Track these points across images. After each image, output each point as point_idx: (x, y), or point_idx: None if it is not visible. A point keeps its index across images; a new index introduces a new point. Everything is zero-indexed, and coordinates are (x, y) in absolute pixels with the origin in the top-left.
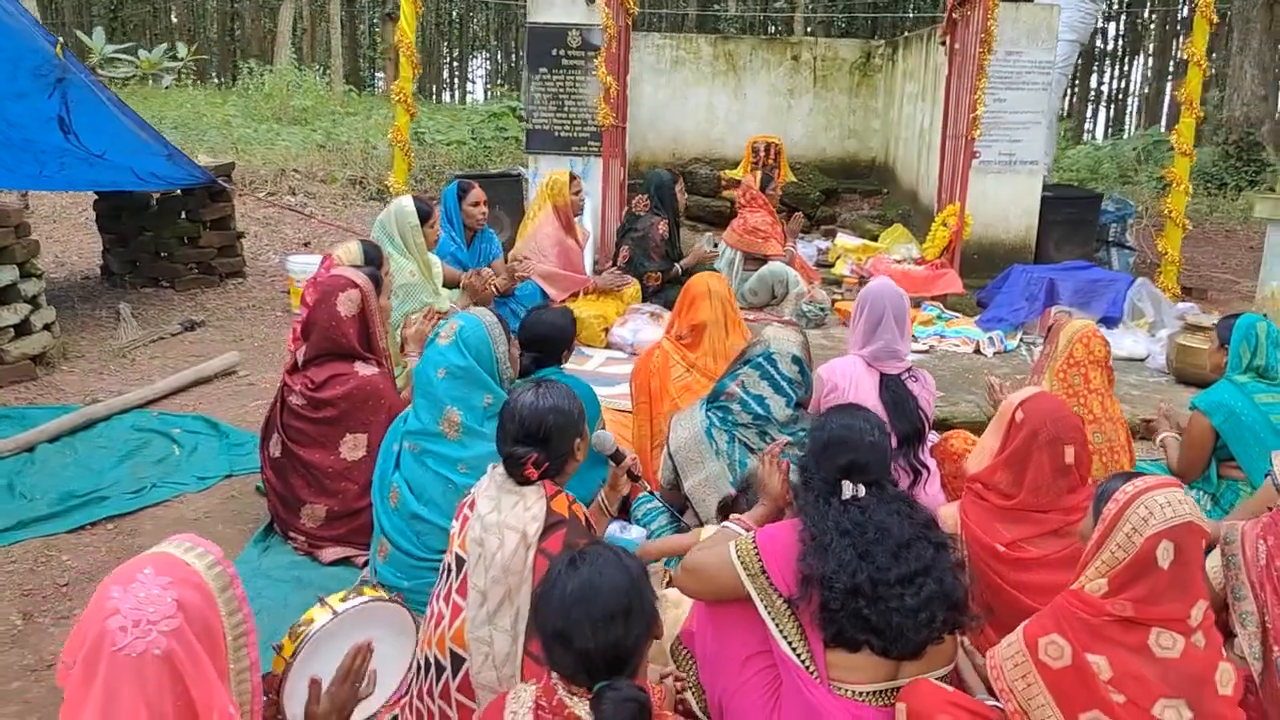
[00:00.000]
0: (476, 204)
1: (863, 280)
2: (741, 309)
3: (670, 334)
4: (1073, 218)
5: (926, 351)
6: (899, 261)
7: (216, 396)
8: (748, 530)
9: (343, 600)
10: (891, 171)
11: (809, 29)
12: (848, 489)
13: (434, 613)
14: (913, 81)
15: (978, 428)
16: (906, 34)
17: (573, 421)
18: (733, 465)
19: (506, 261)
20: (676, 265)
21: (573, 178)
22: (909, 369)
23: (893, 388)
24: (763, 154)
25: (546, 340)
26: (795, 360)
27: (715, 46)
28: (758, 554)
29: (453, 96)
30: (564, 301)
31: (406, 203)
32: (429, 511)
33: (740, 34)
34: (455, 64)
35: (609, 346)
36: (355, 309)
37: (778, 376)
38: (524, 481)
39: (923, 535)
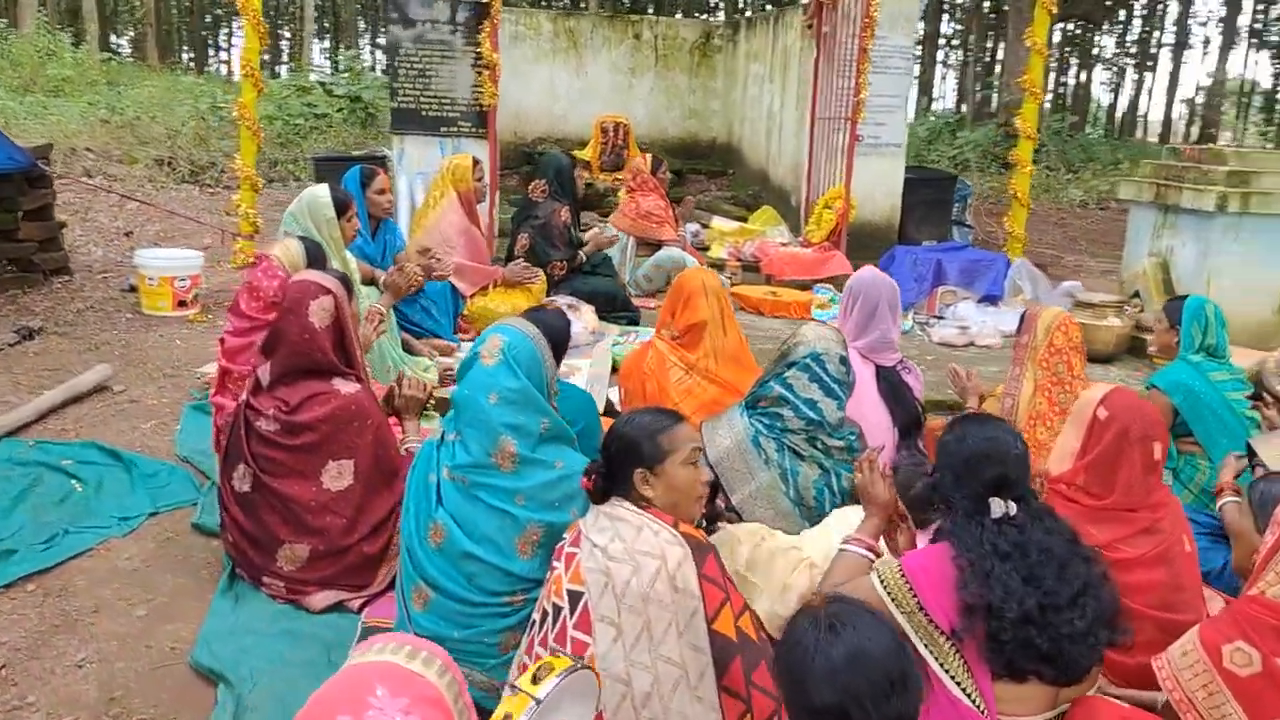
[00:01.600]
0: (382, 191)
1: (744, 264)
2: (635, 297)
3: (661, 333)
4: (931, 198)
5: None
6: (784, 244)
7: (99, 418)
8: (869, 550)
9: (534, 681)
10: (736, 152)
11: (649, 7)
12: (998, 507)
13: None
14: (758, 63)
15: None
16: (749, 15)
17: (641, 448)
18: (785, 474)
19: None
20: (581, 253)
21: (476, 162)
22: (901, 360)
23: (888, 379)
24: (611, 134)
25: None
26: (843, 361)
27: (556, 23)
28: (909, 587)
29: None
30: (473, 295)
31: (321, 193)
32: (484, 550)
33: (581, 10)
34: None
35: None
36: (329, 318)
37: (827, 378)
38: (594, 499)
39: (1075, 551)
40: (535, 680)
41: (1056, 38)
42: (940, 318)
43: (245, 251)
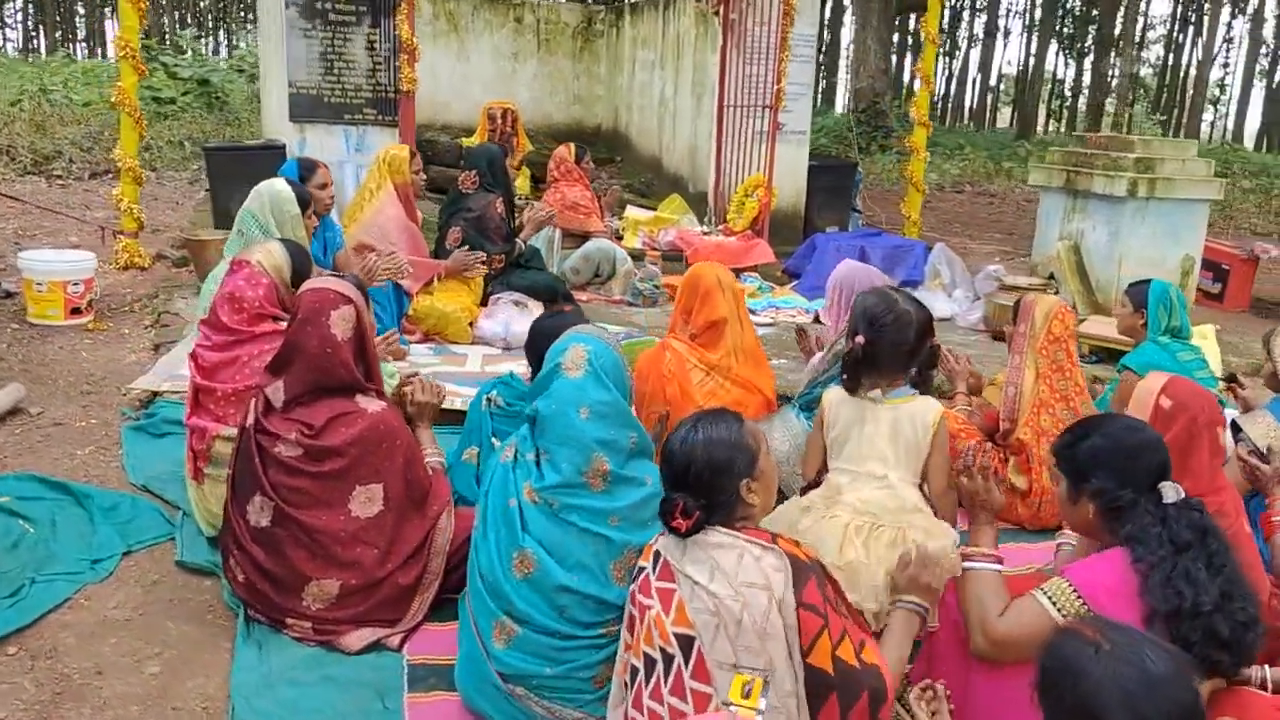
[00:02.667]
0: (324, 186)
1: (665, 254)
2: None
3: (676, 332)
4: (832, 185)
5: (771, 325)
6: (706, 234)
7: (24, 445)
8: (996, 561)
9: (746, 695)
10: (624, 139)
11: None
12: (1172, 491)
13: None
14: (647, 49)
15: None
16: (633, 1)
17: (734, 460)
18: None
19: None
20: (520, 244)
21: (413, 154)
22: None
23: None
24: (500, 121)
25: None
26: None
27: (436, 5)
28: (1084, 603)
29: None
30: (419, 292)
31: (282, 188)
32: (580, 579)
33: None
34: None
35: (475, 342)
36: (351, 330)
37: None
38: (680, 534)
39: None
40: (746, 695)
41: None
42: None
43: (130, 251)
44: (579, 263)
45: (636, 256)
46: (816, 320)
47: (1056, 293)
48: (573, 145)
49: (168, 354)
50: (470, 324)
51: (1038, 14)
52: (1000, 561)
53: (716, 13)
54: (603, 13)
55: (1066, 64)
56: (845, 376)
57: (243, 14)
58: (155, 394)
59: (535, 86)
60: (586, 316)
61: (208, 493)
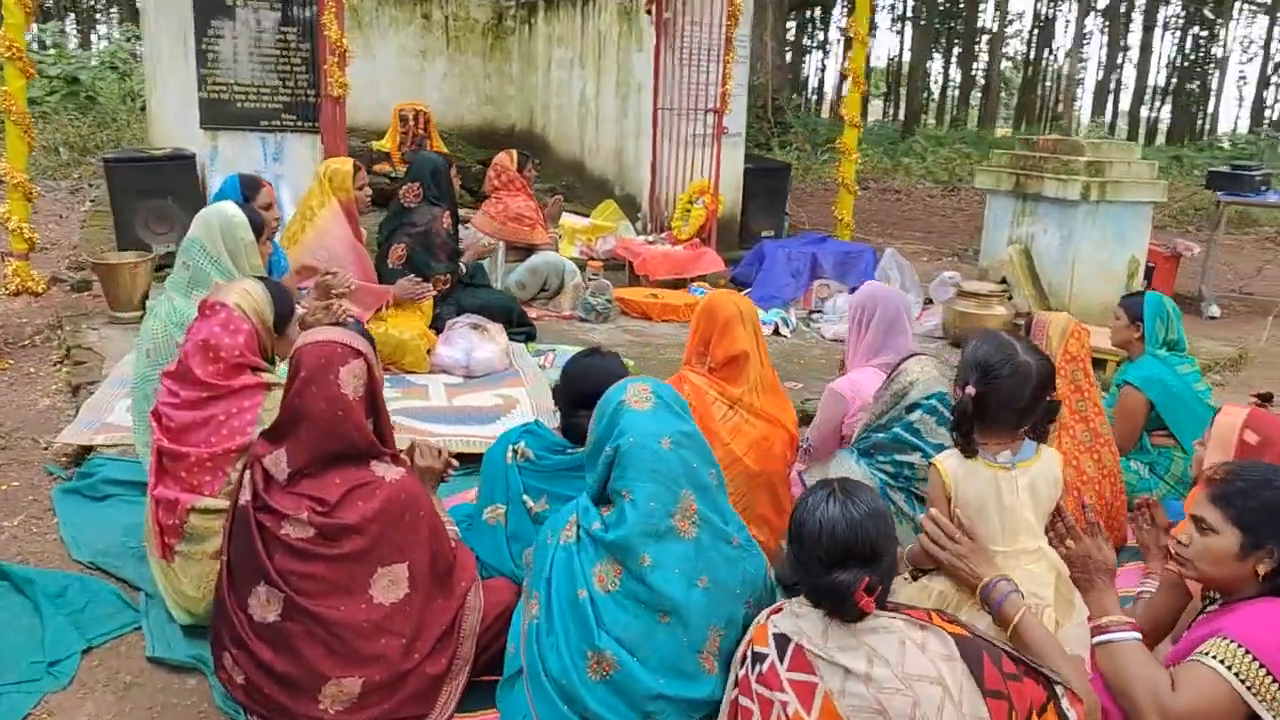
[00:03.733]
0: (269, 206)
1: (607, 263)
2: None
3: (693, 365)
4: (769, 188)
5: None
6: (651, 242)
7: None
8: (1134, 630)
9: None
10: (541, 140)
11: None
12: None
13: None
14: (564, 48)
15: None
16: None
17: (892, 525)
18: (918, 527)
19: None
20: (462, 264)
21: (357, 168)
22: None
23: None
24: (412, 123)
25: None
26: None
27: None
28: (1268, 672)
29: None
30: (369, 320)
31: (234, 213)
32: (671, 683)
33: None
34: None
35: (433, 371)
36: (363, 386)
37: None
38: (856, 616)
39: None
40: None
41: (793, 24)
42: (819, 312)
43: (21, 274)
44: (525, 277)
45: (579, 267)
46: (775, 333)
47: (1010, 298)
48: (514, 152)
49: (91, 397)
50: (428, 351)
51: (909, 9)
52: (1137, 627)
53: (649, 12)
54: (514, 9)
55: (931, 58)
56: (955, 432)
57: (93, 3)
58: (87, 449)
59: (445, 86)
60: (618, 356)
61: (179, 573)
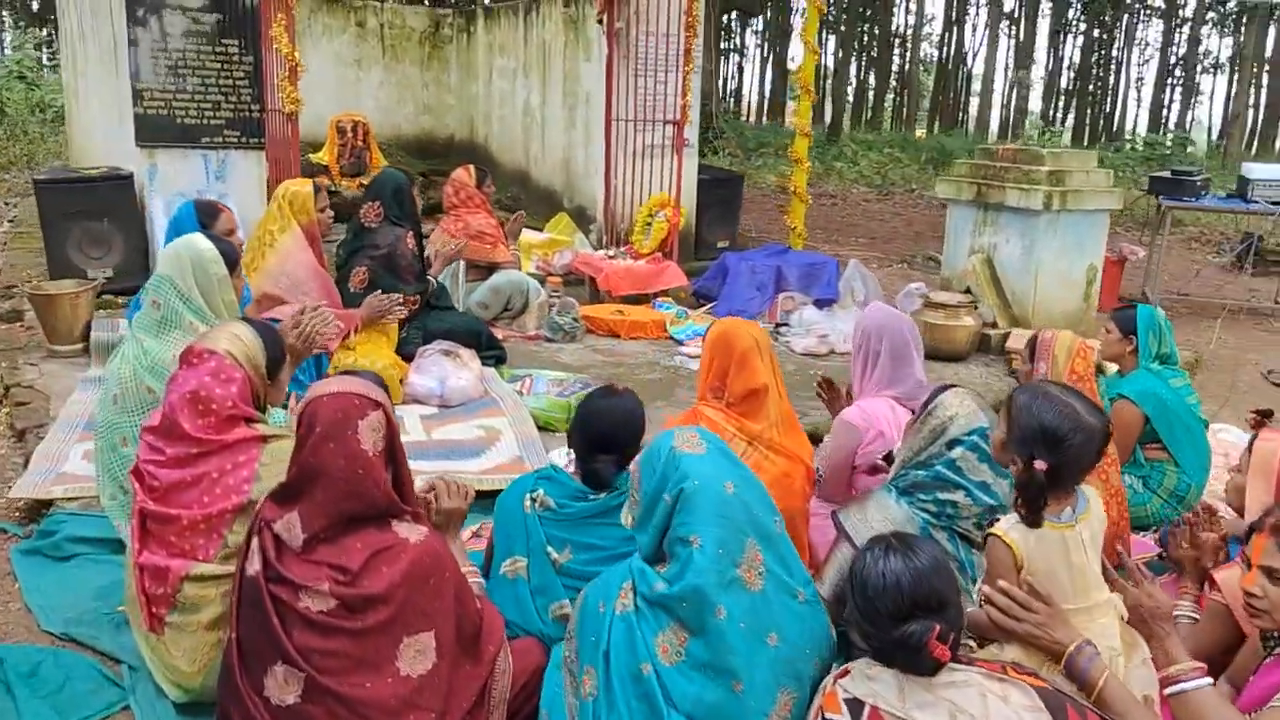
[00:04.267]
0: (231, 232)
1: (566, 279)
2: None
3: (709, 399)
4: (722, 198)
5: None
6: (612, 257)
7: None
8: (1207, 676)
9: None
10: (482, 151)
11: None
12: None
13: None
14: (506, 56)
15: None
16: (489, 4)
17: (954, 573)
18: (962, 566)
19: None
20: (432, 281)
21: (318, 190)
22: None
23: None
24: (350, 135)
25: (631, 432)
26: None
27: None
28: None
29: None
30: (337, 348)
31: (205, 246)
32: None
33: None
34: None
35: (406, 402)
36: (383, 440)
37: None
38: (932, 669)
39: None
40: None
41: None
42: (784, 325)
43: None
44: (488, 296)
45: (540, 281)
46: None
47: (976, 306)
48: (472, 167)
49: (41, 444)
50: (400, 381)
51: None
52: (1207, 672)
53: (600, 21)
54: (450, 18)
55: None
56: (1023, 507)
57: None
58: (45, 503)
59: (382, 96)
60: (633, 392)
61: (170, 646)
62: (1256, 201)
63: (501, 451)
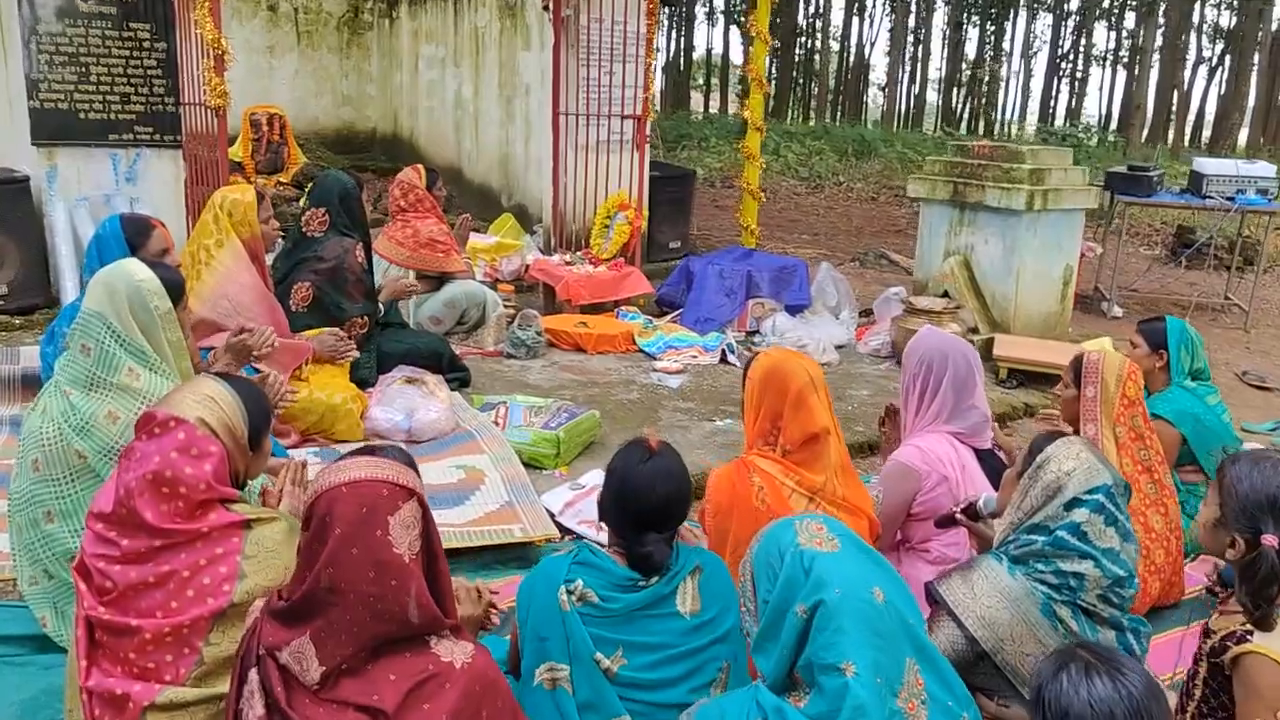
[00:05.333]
0: (166, 251)
1: (518, 286)
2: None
3: (759, 447)
4: (674, 197)
5: (681, 371)
6: (569, 263)
7: None
8: None
9: None
10: (407, 145)
11: None
12: None
13: None
14: (434, 44)
15: None
16: None
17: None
18: None
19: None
20: (379, 304)
21: (260, 197)
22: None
23: (991, 465)
24: (265, 128)
25: (684, 501)
26: (1127, 489)
27: None
28: None
29: None
30: (288, 380)
31: (144, 275)
32: None
33: None
34: None
35: (368, 439)
36: (419, 538)
37: (1121, 517)
38: None
39: None
40: None
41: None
42: (755, 332)
43: None
44: (441, 311)
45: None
46: (723, 360)
47: (959, 308)
48: (421, 168)
49: None
50: (360, 415)
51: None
52: None
53: (546, 9)
54: (371, 2)
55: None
56: (1249, 602)
57: None
58: None
59: (297, 85)
60: (671, 447)
61: None
62: (1212, 197)
63: (488, 497)
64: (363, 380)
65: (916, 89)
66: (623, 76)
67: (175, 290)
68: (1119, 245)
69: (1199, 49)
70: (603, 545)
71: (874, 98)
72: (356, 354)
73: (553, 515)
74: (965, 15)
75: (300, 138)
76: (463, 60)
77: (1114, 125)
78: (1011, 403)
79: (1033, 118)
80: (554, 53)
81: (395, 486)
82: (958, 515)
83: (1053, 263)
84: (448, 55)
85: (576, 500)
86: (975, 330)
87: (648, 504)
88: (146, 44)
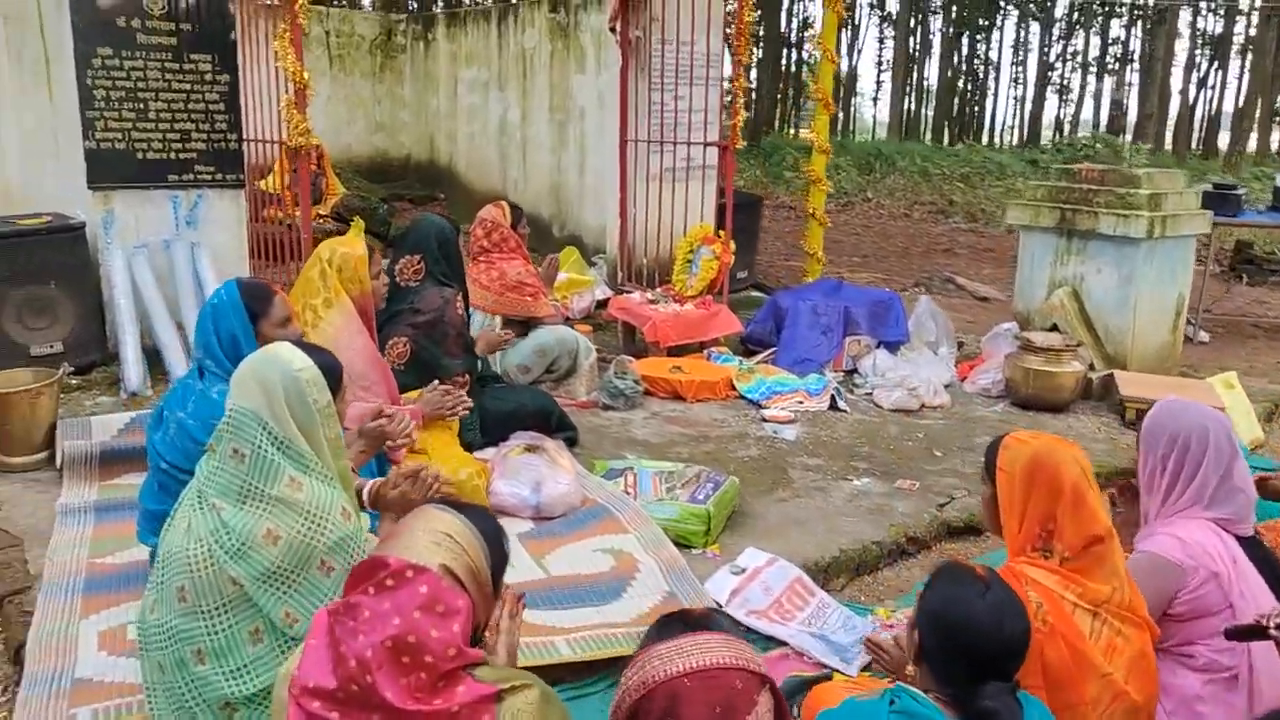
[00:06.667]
0: (287, 321)
1: (595, 324)
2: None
3: (1029, 554)
4: (742, 225)
5: (791, 421)
6: (652, 301)
7: None
8: None
9: None
10: (446, 172)
11: None
12: None
13: None
14: (476, 67)
15: None
16: (452, 9)
17: None
18: None
19: None
20: (478, 360)
21: (371, 251)
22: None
23: (1259, 554)
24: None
25: (1027, 640)
26: None
27: None
28: None
29: None
30: (404, 455)
31: (301, 365)
32: None
33: None
34: None
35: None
36: None
37: None
38: None
39: None
40: None
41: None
42: (854, 371)
43: None
44: (531, 359)
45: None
46: (833, 407)
47: (1079, 345)
48: (505, 205)
49: (32, 629)
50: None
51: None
52: None
53: (613, 29)
54: (405, 24)
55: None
56: None
57: None
58: None
59: (330, 112)
60: (994, 571)
61: None
62: None
63: (647, 587)
64: (468, 445)
65: (911, 101)
66: (690, 100)
67: (334, 378)
68: (1206, 269)
69: (1191, 55)
70: (908, 682)
71: (861, 108)
72: (470, 405)
73: (720, 606)
74: (961, 25)
75: (338, 166)
76: (508, 83)
77: (1102, 130)
78: None
79: (1046, 131)
80: (621, 76)
81: (748, 675)
82: (1271, 631)
83: (1167, 292)
84: (491, 78)
85: (742, 588)
86: (1092, 368)
87: (993, 648)
88: (208, 76)
